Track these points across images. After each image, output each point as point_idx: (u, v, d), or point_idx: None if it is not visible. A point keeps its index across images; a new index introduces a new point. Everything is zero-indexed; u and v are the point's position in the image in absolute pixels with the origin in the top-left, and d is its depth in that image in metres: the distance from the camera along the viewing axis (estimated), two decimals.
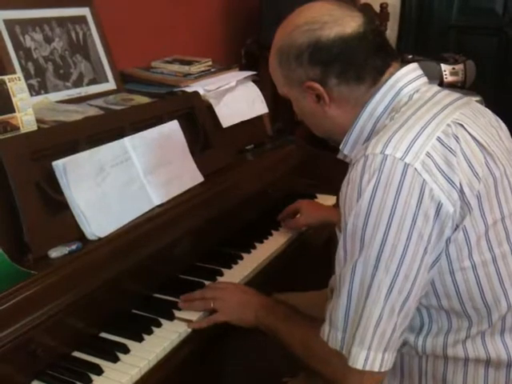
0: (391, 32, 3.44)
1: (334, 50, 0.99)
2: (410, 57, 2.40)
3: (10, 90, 1.24)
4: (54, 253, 1.12)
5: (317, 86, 1.02)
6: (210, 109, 1.70)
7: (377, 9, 3.05)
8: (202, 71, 1.83)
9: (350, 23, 1.00)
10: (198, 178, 1.52)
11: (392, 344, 0.93)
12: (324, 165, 1.87)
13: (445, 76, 2.39)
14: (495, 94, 3.41)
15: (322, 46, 1.00)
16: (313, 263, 1.74)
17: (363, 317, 0.92)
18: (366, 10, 2.75)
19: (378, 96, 1.02)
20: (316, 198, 1.89)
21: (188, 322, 1.20)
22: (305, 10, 1.04)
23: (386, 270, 0.90)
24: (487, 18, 3.61)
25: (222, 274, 1.39)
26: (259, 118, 1.95)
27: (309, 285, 1.51)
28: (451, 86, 2.39)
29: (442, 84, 2.38)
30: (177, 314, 1.22)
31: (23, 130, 1.25)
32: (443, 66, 2.39)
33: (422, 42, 3.65)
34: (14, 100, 1.25)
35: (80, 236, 1.19)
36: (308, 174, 1.96)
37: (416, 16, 3.65)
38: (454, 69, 2.41)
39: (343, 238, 0.94)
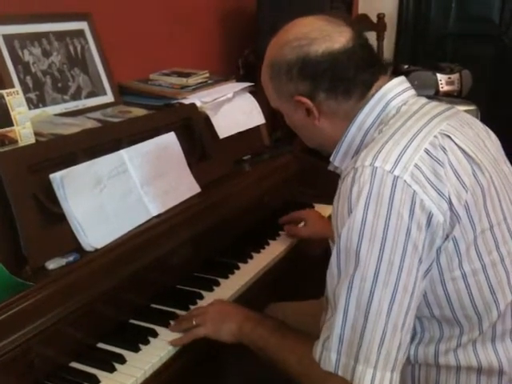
0: (389, 41, 3.46)
1: (322, 65, 1.01)
2: (406, 67, 2.42)
3: (8, 104, 1.26)
4: (52, 264, 1.14)
5: (306, 100, 1.04)
6: (207, 120, 1.71)
7: (374, 19, 3.08)
8: (200, 83, 1.85)
9: (338, 38, 1.02)
10: (195, 188, 1.54)
11: (399, 364, 0.92)
12: (322, 174, 1.88)
13: (441, 85, 2.41)
14: (492, 102, 3.43)
15: (310, 62, 1.01)
16: (311, 272, 1.75)
17: (365, 334, 0.90)
18: (359, 22, 2.78)
19: (366, 109, 1.04)
20: (313, 207, 1.91)
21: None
22: (295, 25, 1.06)
23: (385, 284, 0.89)
24: (484, 27, 3.64)
25: (218, 284, 1.40)
26: (256, 129, 1.97)
27: (307, 294, 1.52)
28: (447, 96, 2.40)
29: (438, 93, 2.39)
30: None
31: (21, 143, 1.27)
32: (439, 76, 2.41)
33: (420, 51, 3.67)
34: (12, 114, 1.27)
35: (77, 247, 1.21)
36: (305, 183, 1.98)
37: (413, 25, 3.68)
38: (449, 78, 2.43)
39: (336, 254, 0.94)
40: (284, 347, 1.05)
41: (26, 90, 1.46)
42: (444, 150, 0.96)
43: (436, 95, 2.38)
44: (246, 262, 1.52)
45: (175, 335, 1.20)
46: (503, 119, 3.51)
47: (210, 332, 1.16)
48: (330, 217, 1.71)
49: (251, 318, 1.15)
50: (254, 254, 1.56)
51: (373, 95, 1.05)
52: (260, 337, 1.09)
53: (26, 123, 1.29)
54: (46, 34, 1.56)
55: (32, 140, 1.29)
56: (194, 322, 1.18)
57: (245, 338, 1.12)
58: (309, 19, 1.06)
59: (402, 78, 1.10)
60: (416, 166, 0.92)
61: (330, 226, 1.61)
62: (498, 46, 3.64)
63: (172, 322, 1.23)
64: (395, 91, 1.06)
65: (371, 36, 3.06)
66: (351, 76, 1.03)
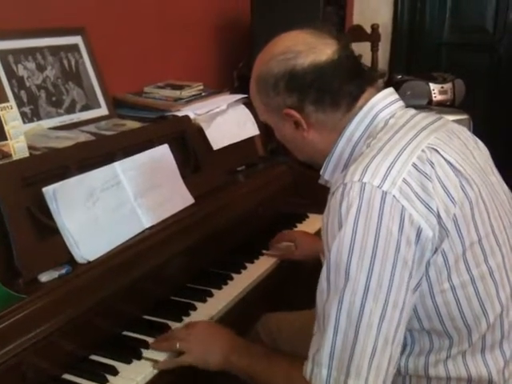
0: (383, 52, 3.48)
1: (308, 77, 1.02)
2: (399, 77, 2.44)
3: (2, 118, 1.28)
4: (44, 277, 1.15)
5: (294, 113, 1.05)
6: (200, 132, 1.73)
7: (369, 30, 3.11)
8: (193, 95, 1.88)
9: (324, 51, 1.03)
10: (189, 200, 1.55)
11: (389, 377, 0.92)
12: (316, 185, 1.89)
13: (434, 95, 2.43)
14: (486, 111, 3.45)
15: (297, 75, 1.02)
16: (304, 282, 1.76)
17: (356, 349, 0.90)
18: (350, 33, 2.80)
19: (354, 122, 1.05)
20: (307, 217, 1.92)
21: (154, 361, 1.16)
22: (281, 39, 1.08)
23: (376, 298, 0.90)
24: (478, 36, 3.67)
25: (212, 295, 1.41)
26: (251, 140, 1.98)
27: (301, 304, 1.53)
28: (440, 105, 2.42)
29: (431, 103, 2.41)
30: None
31: (15, 157, 1.28)
32: (432, 85, 2.44)
33: (415, 61, 3.70)
34: (6, 128, 1.28)
35: (70, 259, 1.21)
36: (300, 193, 1.99)
37: (408, 35, 3.71)
38: (442, 88, 2.45)
39: (326, 269, 0.94)
40: (272, 373, 1.05)
41: (20, 104, 1.48)
42: (432, 164, 0.96)
43: (429, 105, 2.40)
44: (239, 272, 1.53)
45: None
46: (497, 128, 3.54)
47: (196, 361, 1.15)
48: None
49: (237, 346, 1.14)
50: (248, 265, 1.57)
51: (361, 108, 1.05)
52: (247, 365, 1.09)
53: (19, 137, 1.31)
54: (40, 49, 1.58)
55: (26, 154, 1.31)
56: (177, 346, 1.17)
57: (232, 368, 1.12)
58: (294, 33, 1.08)
59: (390, 90, 1.11)
60: (404, 180, 0.93)
61: (319, 242, 1.62)
62: (492, 55, 3.67)
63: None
64: (383, 103, 1.06)
65: (366, 46, 3.09)
66: (338, 87, 1.03)
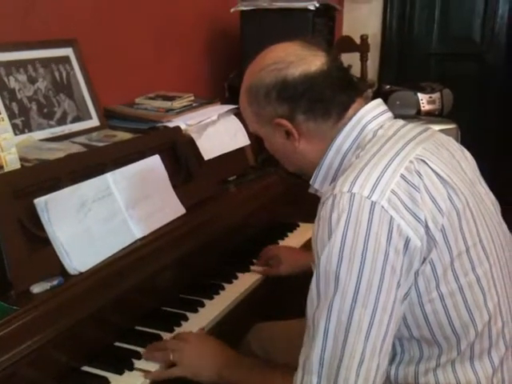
0: (373, 62, 3.52)
1: (299, 87, 1.04)
2: (388, 87, 2.47)
3: None
4: (36, 288, 1.15)
5: (285, 122, 1.06)
6: (192, 142, 1.74)
7: (357, 40, 3.14)
8: (184, 106, 1.89)
9: (314, 62, 1.05)
10: (180, 210, 1.56)
11: None
12: (307, 194, 1.91)
13: (422, 105, 2.46)
14: (474, 120, 3.49)
15: (288, 84, 1.04)
16: (296, 290, 1.76)
17: (345, 356, 0.91)
18: (341, 44, 2.83)
19: (343, 133, 1.06)
20: (298, 226, 1.94)
21: (146, 372, 1.17)
22: (271, 51, 1.09)
23: (364, 306, 0.91)
24: (466, 46, 3.73)
25: (203, 305, 1.42)
26: (241, 150, 1.99)
27: (293, 312, 1.53)
28: (429, 115, 2.45)
29: (419, 113, 2.44)
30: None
31: (7, 169, 1.28)
32: (420, 95, 2.47)
33: (404, 71, 3.75)
34: None
35: (62, 271, 1.22)
36: (291, 203, 2.00)
37: (396, 45, 3.76)
38: (430, 97, 2.48)
39: (316, 277, 0.95)
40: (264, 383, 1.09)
41: (11, 116, 1.49)
42: (419, 175, 0.97)
43: (418, 114, 2.43)
44: (230, 282, 1.54)
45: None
46: (485, 137, 3.58)
47: (188, 373, 1.18)
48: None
49: (229, 359, 1.17)
50: (239, 274, 1.58)
51: (350, 118, 1.07)
52: (239, 379, 1.12)
53: (11, 149, 1.31)
54: (31, 61, 1.59)
55: (17, 165, 1.31)
56: (171, 357, 1.18)
57: (224, 381, 1.15)
58: (284, 45, 1.09)
59: (378, 101, 1.12)
60: (393, 191, 0.94)
61: (304, 255, 1.62)
62: (480, 64, 3.72)
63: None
64: (371, 115, 1.08)
65: (355, 57, 3.12)
66: (328, 97, 1.05)
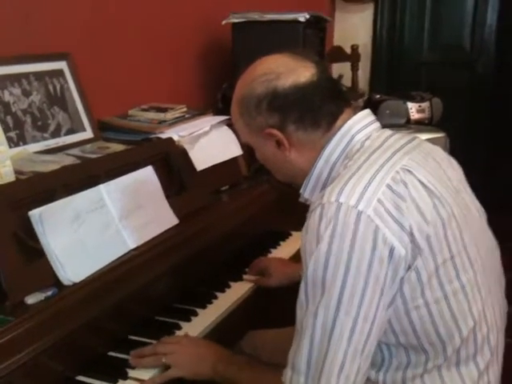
0: (364, 71, 3.56)
1: (290, 97, 1.07)
2: (378, 97, 2.50)
3: None
4: (31, 299, 1.17)
5: (276, 132, 1.09)
6: (184, 153, 1.76)
7: (348, 50, 3.18)
8: (177, 117, 1.91)
9: (303, 73, 1.08)
10: (173, 220, 1.58)
11: None
12: (299, 203, 1.93)
13: (411, 114, 2.49)
14: (463, 128, 3.52)
15: (279, 94, 1.07)
16: (288, 299, 1.78)
17: (327, 360, 0.95)
18: (332, 54, 2.86)
19: (333, 143, 1.09)
20: (291, 235, 1.96)
21: (140, 381, 1.19)
22: (261, 63, 1.12)
23: (347, 312, 0.94)
24: (456, 54, 3.77)
25: (196, 314, 1.43)
26: (234, 160, 2.01)
27: (284, 321, 1.55)
28: (418, 123, 2.48)
29: (409, 121, 2.47)
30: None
31: (2, 182, 1.30)
32: (409, 105, 2.50)
33: (395, 80, 3.79)
34: None
35: (56, 281, 1.23)
36: (284, 212, 2.02)
37: (387, 55, 3.80)
38: (420, 106, 2.51)
39: (304, 283, 0.99)
40: (256, 380, 1.13)
41: (6, 129, 1.50)
42: (405, 184, 1.00)
43: (407, 123, 2.46)
44: (223, 291, 1.55)
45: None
46: (474, 145, 3.62)
47: (186, 374, 1.22)
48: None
49: (223, 356, 1.22)
50: (232, 283, 1.60)
51: (339, 128, 1.10)
52: (234, 374, 1.16)
53: (6, 162, 1.33)
54: (25, 75, 1.61)
55: (12, 178, 1.33)
56: (163, 360, 1.21)
57: (219, 377, 1.19)
58: (274, 56, 1.12)
59: (367, 112, 1.15)
60: (379, 200, 0.96)
61: (293, 266, 1.64)
62: (470, 72, 3.76)
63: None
64: (360, 125, 1.11)
65: (346, 66, 3.16)
66: (318, 107, 1.08)
